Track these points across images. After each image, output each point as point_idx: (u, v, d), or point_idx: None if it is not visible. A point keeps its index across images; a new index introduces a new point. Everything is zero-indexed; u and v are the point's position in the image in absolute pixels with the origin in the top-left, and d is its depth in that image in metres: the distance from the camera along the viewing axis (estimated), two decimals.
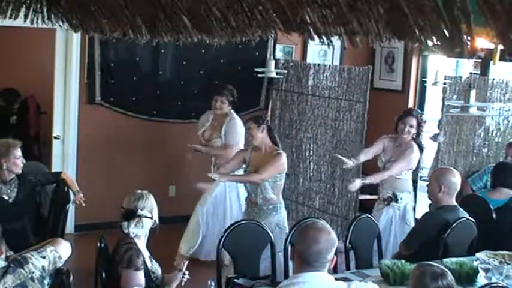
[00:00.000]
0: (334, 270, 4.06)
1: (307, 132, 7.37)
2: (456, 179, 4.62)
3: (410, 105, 8.17)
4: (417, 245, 4.47)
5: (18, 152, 4.82)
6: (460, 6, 1.71)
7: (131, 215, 3.60)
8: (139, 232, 3.61)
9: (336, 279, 3.10)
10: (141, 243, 3.65)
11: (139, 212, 3.60)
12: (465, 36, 1.78)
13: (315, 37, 2.28)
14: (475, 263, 4.02)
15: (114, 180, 6.76)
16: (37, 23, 3.87)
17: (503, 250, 4.30)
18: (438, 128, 7.65)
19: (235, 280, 4.34)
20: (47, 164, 6.73)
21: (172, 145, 7.24)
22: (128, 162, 7.16)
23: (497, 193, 5.33)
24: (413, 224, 5.56)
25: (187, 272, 3.73)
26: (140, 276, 3.47)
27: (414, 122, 5.65)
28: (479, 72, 7.74)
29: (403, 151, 5.66)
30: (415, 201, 8.32)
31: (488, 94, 7.18)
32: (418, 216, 7.03)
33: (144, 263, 3.56)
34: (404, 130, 5.64)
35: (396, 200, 5.69)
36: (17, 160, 4.81)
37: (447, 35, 1.82)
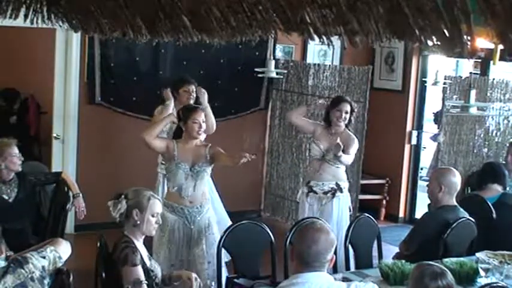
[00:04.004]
0: (334, 270, 4.07)
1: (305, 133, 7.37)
2: (456, 178, 4.62)
3: (411, 105, 8.18)
4: (417, 245, 4.47)
5: (14, 150, 4.81)
6: (460, 6, 1.71)
7: (116, 195, 3.68)
8: (116, 213, 3.63)
9: (336, 279, 3.10)
10: (139, 243, 3.67)
11: (122, 197, 3.63)
12: (465, 36, 1.78)
13: (315, 37, 2.28)
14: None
15: (114, 180, 6.76)
16: (37, 23, 3.87)
17: (503, 247, 4.31)
18: (437, 127, 7.67)
19: (235, 280, 4.34)
20: (47, 164, 6.73)
21: None
22: (128, 162, 7.16)
23: (488, 191, 5.37)
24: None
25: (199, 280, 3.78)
26: (138, 271, 3.48)
27: (349, 107, 5.51)
28: (479, 72, 7.74)
29: (346, 142, 5.47)
30: (415, 200, 8.36)
31: (488, 94, 7.18)
32: (418, 216, 7.06)
33: (142, 261, 3.57)
34: (341, 117, 5.48)
35: (341, 190, 5.59)
36: (14, 158, 4.80)
37: (447, 35, 1.82)
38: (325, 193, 5.57)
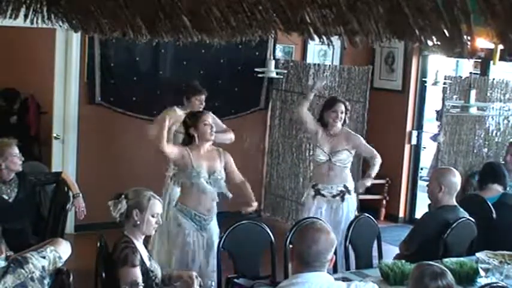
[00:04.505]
0: (334, 270, 4.07)
1: (307, 132, 7.36)
2: (456, 179, 4.62)
3: (411, 105, 8.18)
4: (417, 245, 4.47)
5: (15, 150, 4.81)
6: (460, 6, 1.71)
7: (116, 195, 3.67)
8: (116, 213, 3.61)
9: (336, 279, 3.10)
10: (139, 243, 3.67)
11: (122, 198, 3.63)
12: (465, 36, 1.78)
13: (315, 37, 2.28)
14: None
15: (114, 180, 6.76)
16: (37, 23, 3.87)
17: (503, 247, 4.31)
18: (439, 125, 7.67)
19: (235, 280, 4.34)
20: (47, 164, 6.73)
21: None
22: (128, 162, 7.16)
23: (488, 191, 5.37)
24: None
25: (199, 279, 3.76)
26: (136, 272, 3.48)
27: (343, 107, 5.54)
28: (479, 72, 7.75)
29: (353, 140, 5.58)
30: (415, 200, 8.37)
31: (488, 94, 7.18)
32: (418, 216, 7.06)
33: (142, 261, 3.57)
34: (337, 118, 5.52)
35: (349, 192, 5.60)
36: (15, 158, 4.79)
37: (447, 35, 1.82)
38: (334, 196, 5.57)
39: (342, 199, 5.56)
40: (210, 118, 4.74)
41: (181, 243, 4.61)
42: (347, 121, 5.69)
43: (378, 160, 5.63)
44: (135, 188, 3.78)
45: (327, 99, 6.05)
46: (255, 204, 4.78)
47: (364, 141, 5.70)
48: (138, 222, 3.65)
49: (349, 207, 5.59)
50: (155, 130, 4.77)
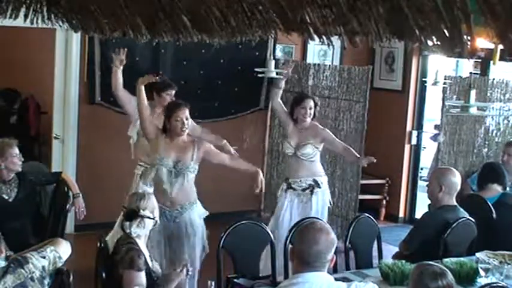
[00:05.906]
0: (334, 270, 4.07)
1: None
2: (456, 178, 4.62)
3: (411, 105, 8.18)
4: (417, 245, 4.47)
5: (15, 150, 4.81)
6: (460, 6, 1.71)
7: (133, 215, 3.61)
8: (141, 232, 3.62)
9: (336, 279, 3.10)
10: (142, 243, 3.66)
11: (141, 212, 3.61)
12: (465, 36, 1.78)
13: (315, 37, 2.28)
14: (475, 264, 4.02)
15: (114, 180, 6.76)
16: (37, 23, 3.86)
17: (503, 247, 4.31)
18: (437, 128, 7.67)
19: (235, 280, 4.34)
20: (47, 164, 6.73)
21: None
22: (128, 162, 7.15)
23: (488, 191, 5.38)
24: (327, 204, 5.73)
25: (191, 268, 3.74)
26: (142, 277, 3.48)
27: (312, 103, 5.65)
28: (479, 72, 7.75)
29: (321, 134, 5.67)
30: (415, 200, 8.37)
31: (488, 94, 7.18)
32: (418, 216, 7.06)
33: (146, 263, 3.57)
34: (306, 114, 5.61)
35: (319, 186, 5.65)
36: (14, 158, 4.80)
37: (447, 35, 1.82)
38: (304, 190, 5.63)
39: (312, 193, 5.62)
40: (184, 114, 4.74)
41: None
42: (317, 115, 5.77)
43: (350, 148, 5.77)
44: (130, 195, 3.79)
45: (295, 95, 6.20)
46: (260, 177, 4.83)
47: (332, 136, 5.76)
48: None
49: (319, 201, 5.65)
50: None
